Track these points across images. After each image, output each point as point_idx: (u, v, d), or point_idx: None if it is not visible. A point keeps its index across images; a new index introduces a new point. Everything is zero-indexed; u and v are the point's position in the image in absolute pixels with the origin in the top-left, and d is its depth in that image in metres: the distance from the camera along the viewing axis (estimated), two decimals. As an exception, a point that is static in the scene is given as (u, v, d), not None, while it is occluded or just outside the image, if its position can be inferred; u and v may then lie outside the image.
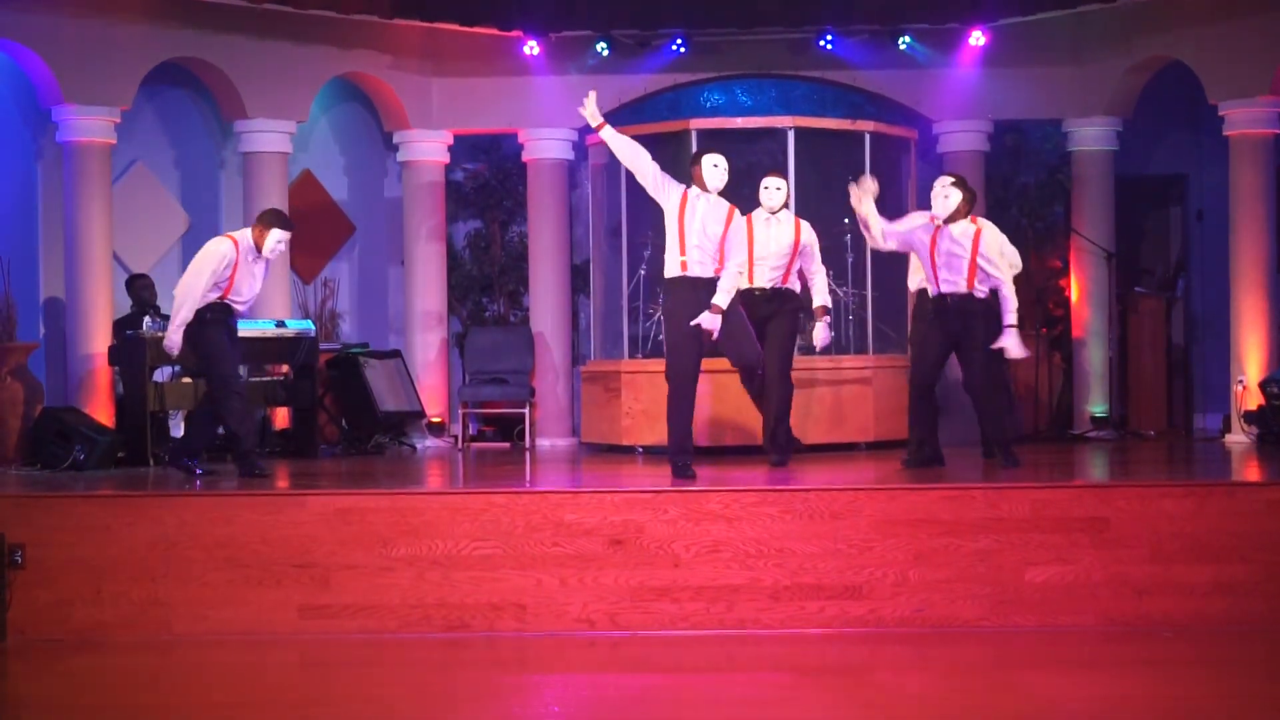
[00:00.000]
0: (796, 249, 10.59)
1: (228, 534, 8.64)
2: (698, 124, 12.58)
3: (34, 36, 11.88)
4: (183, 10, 12.51)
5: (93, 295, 12.11)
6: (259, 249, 10.11)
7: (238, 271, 10.04)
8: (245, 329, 11.97)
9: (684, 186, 9.72)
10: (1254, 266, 12.76)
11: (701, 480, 9.34)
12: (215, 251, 10.04)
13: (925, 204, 13.81)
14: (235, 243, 10.10)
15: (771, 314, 10.49)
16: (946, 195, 10.00)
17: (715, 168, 9.76)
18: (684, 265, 9.64)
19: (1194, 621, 8.43)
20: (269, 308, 12.89)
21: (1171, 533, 8.54)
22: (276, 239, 10.11)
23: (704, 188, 9.72)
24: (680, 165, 12.19)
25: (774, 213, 10.70)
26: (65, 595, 8.59)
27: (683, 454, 9.61)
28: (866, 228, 10.19)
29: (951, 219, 9.99)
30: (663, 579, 8.54)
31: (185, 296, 9.99)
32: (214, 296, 10.04)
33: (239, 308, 10.22)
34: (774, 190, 10.69)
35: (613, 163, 12.91)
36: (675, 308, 9.71)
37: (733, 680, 7.67)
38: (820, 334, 10.55)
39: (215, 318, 10.06)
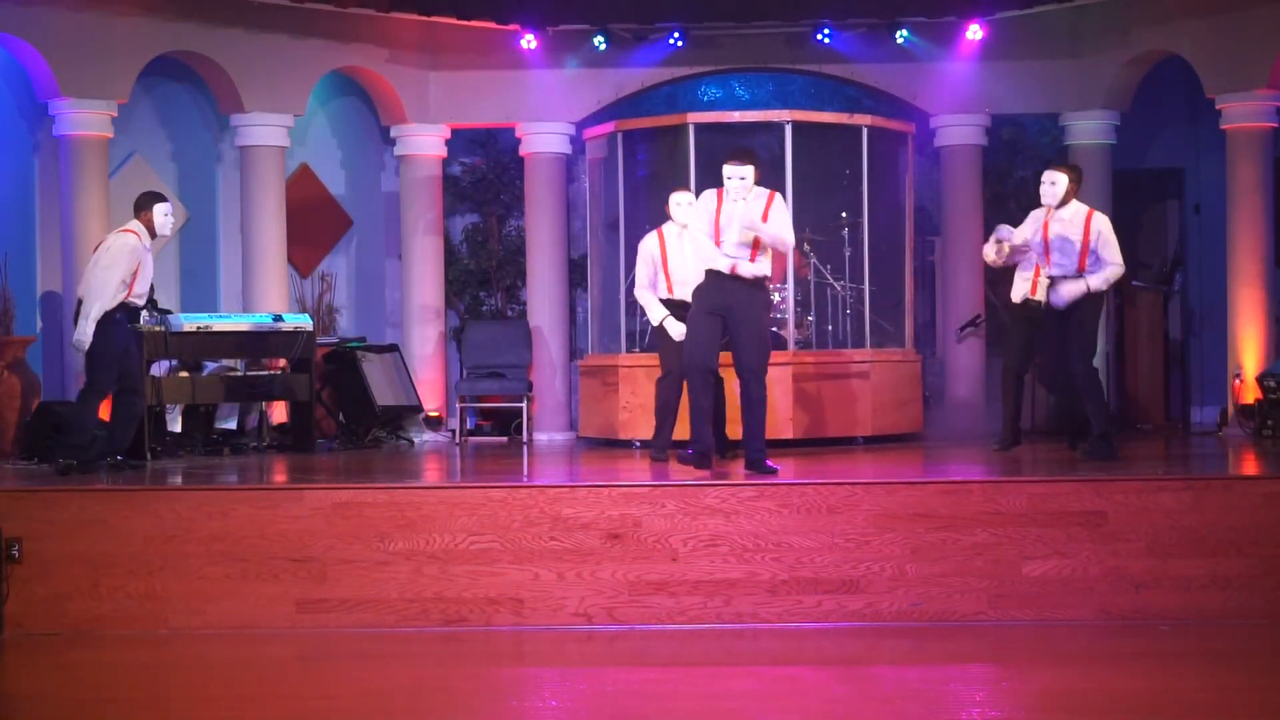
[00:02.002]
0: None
1: (224, 528, 8.64)
2: (695, 118, 12.56)
3: (31, 30, 11.87)
4: (180, 4, 12.50)
5: (90, 289, 12.09)
6: (153, 232, 10.25)
7: (141, 266, 10.16)
8: (243, 323, 12.02)
9: (717, 188, 9.63)
10: (1251, 260, 12.76)
11: (698, 474, 9.34)
12: (128, 246, 10.10)
13: (922, 198, 13.89)
14: (138, 235, 10.19)
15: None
16: (1053, 182, 10.23)
17: (729, 180, 9.53)
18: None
19: (1191, 615, 8.44)
20: (266, 302, 12.90)
21: (1169, 526, 8.55)
22: (164, 211, 10.28)
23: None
24: (677, 158, 12.23)
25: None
26: (62, 589, 8.59)
27: (701, 443, 9.62)
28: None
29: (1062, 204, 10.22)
30: (660, 573, 8.54)
31: (99, 293, 10.02)
32: (121, 296, 10.09)
33: (138, 303, 10.29)
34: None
35: (610, 157, 12.96)
36: (698, 299, 9.73)
37: (730, 674, 7.67)
38: None
39: (123, 318, 10.15)
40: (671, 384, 10.45)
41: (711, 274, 9.62)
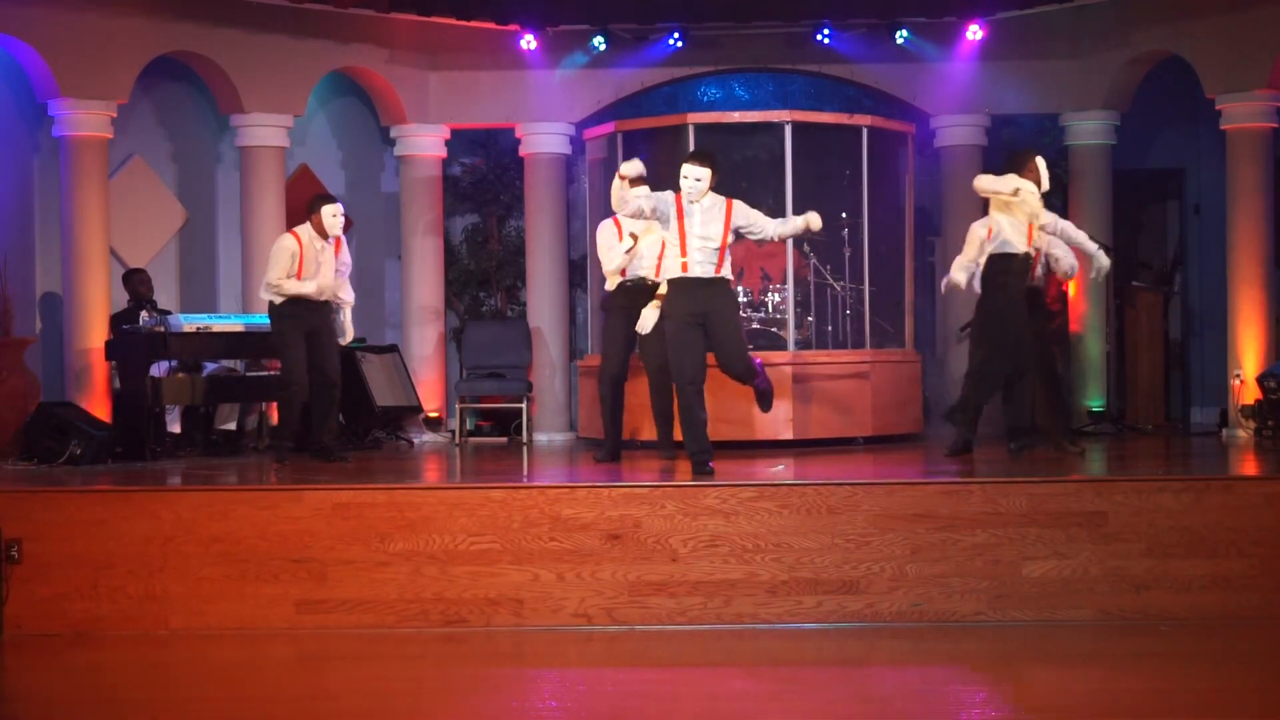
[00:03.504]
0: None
1: (224, 529, 8.64)
2: (695, 118, 12.56)
3: (31, 30, 11.86)
4: (180, 4, 12.50)
5: (89, 290, 12.10)
6: (323, 233, 10.74)
7: (304, 263, 10.62)
8: (243, 323, 12.02)
9: (675, 191, 9.71)
10: (1251, 260, 12.75)
11: (699, 475, 9.34)
12: (284, 247, 10.71)
13: (922, 198, 13.89)
14: (297, 236, 10.73)
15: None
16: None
17: (685, 179, 9.68)
18: (684, 266, 9.65)
19: (1191, 615, 8.44)
20: (266, 302, 12.86)
21: (1169, 527, 8.55)
22: (332, 212, 10.80)
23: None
24: (677, 159, 12.21)
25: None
26: (62, 590, 8.59)
27: (706, 451, 9.64)
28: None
29: None
30: (660, 574, 8.54)
31: (265, 290, 10.75)
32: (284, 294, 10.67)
33: (315, 297, 10.69)
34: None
35: (610, 158, 12.94)
36: (673, 309, 9.74)
37: (730, 675, 7.67)
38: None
39: (291, 312, 10.65)
40: (615, 385, 10.72)
41: (685, 280, 9.65)
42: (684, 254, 9.63)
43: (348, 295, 10.99)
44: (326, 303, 10.83)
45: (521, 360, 13.62)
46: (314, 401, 10.84)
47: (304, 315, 10.68)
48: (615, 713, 6.91)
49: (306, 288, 10.62)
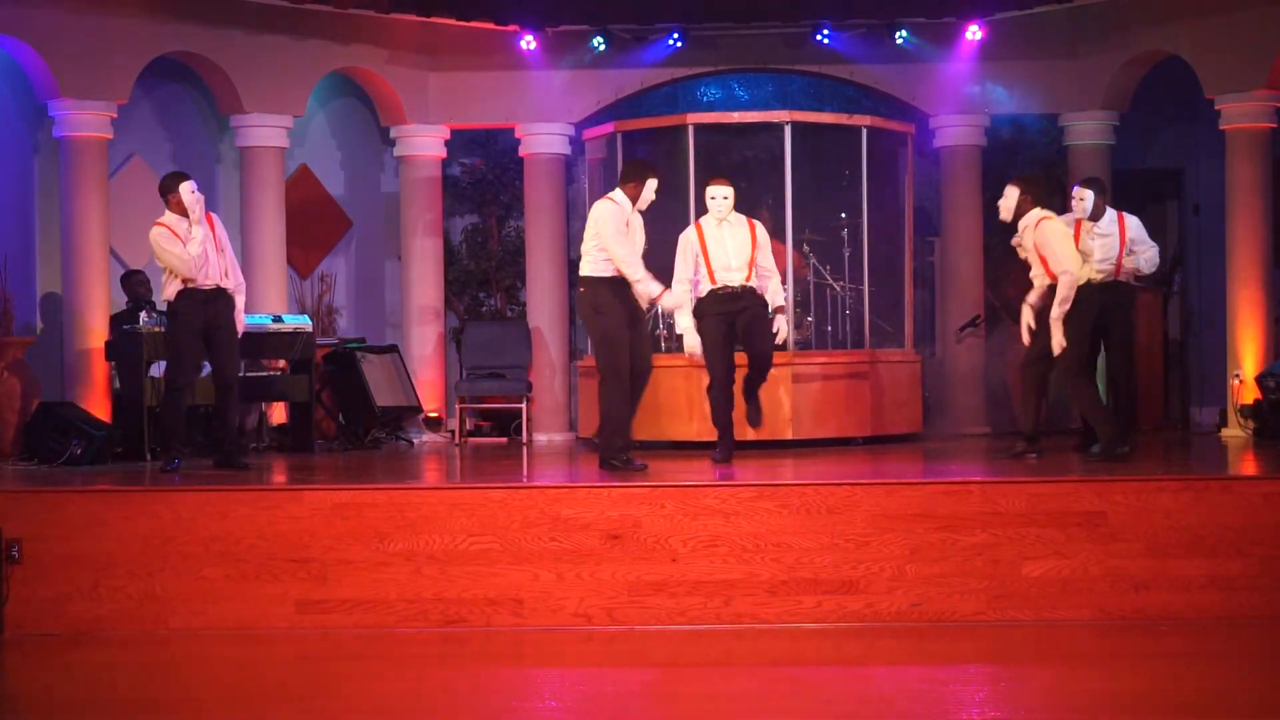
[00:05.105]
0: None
1: (224, 528, 8.65)
2: (695, 118, 12.56)
3: (31, 31, 11.87)
4: (179, 4, 12.50)
5: (89, 290, 12.11)
6: (183, 213, 10.22)
7: (189, 245, 10.16)
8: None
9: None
10: (1250, 260, 12.76)
11: (698, 475, 9.35)
12: (154, 239, 10.21)
13: (922, 198, 13.90)
14: (161, 223, 10.24)
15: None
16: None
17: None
18: (713, 279, 10.13)
19: (1190, 615, 8.44)
20: (266, 302, 12.89)
21: (1168, 527, 8.55)
22: (189, 189, 10.27)
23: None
24: (677, 159, 12.22)
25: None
26: (62, 590, 8.60)
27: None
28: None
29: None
30: (660, 574, 8.54)
31: (163, 288, 10.34)
32: (177, 284, 10.21)
33: (204, 285, 10.22)
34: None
35: (610, 158, 12.96)
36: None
37: (729, 675, 7.67)
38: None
39: (179, 307, 10.24)
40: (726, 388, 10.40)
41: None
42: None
43: (238, 278, 10.47)
44: (222, 296, 10.31)
45: (521, 360, 13.63)
46: (215, 405, 10.57)
47: (198, 311, 10.22)
48: (615, 712, 6.92)
49: (192, 250, 10.11)
